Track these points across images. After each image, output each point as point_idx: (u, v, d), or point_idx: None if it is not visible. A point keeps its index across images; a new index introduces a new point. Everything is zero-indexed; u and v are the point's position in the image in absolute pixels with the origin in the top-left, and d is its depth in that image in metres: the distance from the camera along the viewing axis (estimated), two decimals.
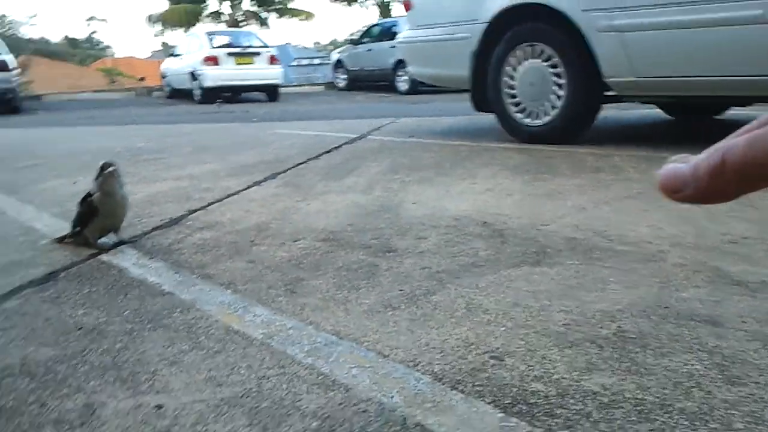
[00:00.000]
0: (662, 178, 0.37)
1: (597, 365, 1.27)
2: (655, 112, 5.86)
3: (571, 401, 1.15)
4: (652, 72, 3.67)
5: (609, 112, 5.57)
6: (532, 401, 1.15)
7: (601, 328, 1.44)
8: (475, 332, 1.44)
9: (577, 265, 1.86)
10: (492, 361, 1.30)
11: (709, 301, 1.56)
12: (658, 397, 1.15)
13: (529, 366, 1.28)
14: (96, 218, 2.16)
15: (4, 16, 22.83)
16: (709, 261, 1.84)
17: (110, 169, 2.12)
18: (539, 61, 4.12)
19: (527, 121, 4.26)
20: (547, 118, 4.14)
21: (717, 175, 0.34)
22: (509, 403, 1.15)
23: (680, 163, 0.37)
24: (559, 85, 4.03)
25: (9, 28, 22.44)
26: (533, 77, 4.15)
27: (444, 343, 1.39)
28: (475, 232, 2.26)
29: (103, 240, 2.25)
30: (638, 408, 1.12)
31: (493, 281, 1.76)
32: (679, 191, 0.36)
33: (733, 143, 0.34)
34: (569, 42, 3.93)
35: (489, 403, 1.15)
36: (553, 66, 4.05)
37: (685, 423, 1.07)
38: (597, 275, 1.78)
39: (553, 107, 4.08)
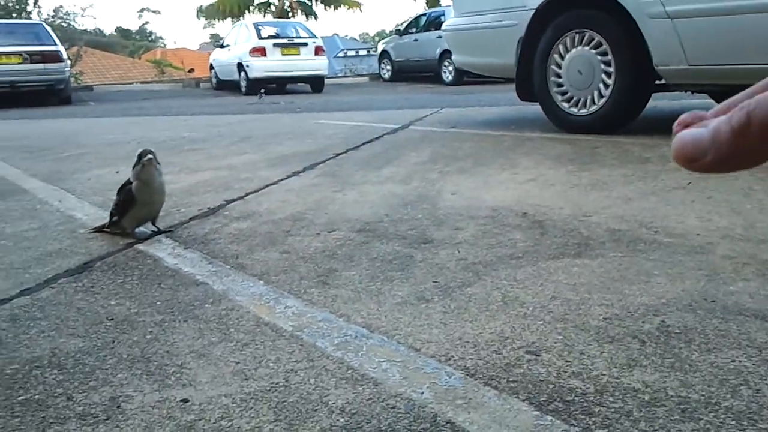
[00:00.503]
0: (678, 145, 0.33)
1: (638, 361, 1.21)
2: (705, 102, 5.67)
3: (610, 399, 1.09)
4: (705, 60, 3.53)
5: (657, 102, 5.40)
6: (568, 399, 1.10)
7: (643, 322, 1.37)
8: (511, 326, 1.38)
9: (620, 258, 1.79)
10: (527, 357, 1.25)
11: (759, 295, 1.47)
12: (703, 395, 1.08)
13: (566, 362, 1.22)
14: (133, 207, 2.16)
15: (60, 7, 23.44)
16: (760, 254, 1.75)
17: (148, 157, 2.11)
18: (588, 48, 4.00)
19: (573, 110, 4.15)
20: (594, 107, 4.02)
21: (743, 135, 0.30)
22: (545, 401, 1.10)
23: (696, 127, 0.32)
24: (608, 74, 3.91)
25: (64, 20, 22.97)
26: (581, 65, 4.04)
27: (478, 337, 1.34)
28: (514, 223, 2.19)
29: (140, 229, 2.25)
30: (681, 406, 1.06)
31: (532, 273, 1.70)
32: (697, 160, 0.32)
33: (757, 99, 0.30)
34: (620, 29, 3.80)
35: (523, 400, 1.10)
36: (602, 54, 3.93)
37: (732, 423, 1.01)
38: (641, 268, 1.70)
39: (601, 96, 3.97)
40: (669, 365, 1.19)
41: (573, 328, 1.36)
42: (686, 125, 0.34)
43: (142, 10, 68.41)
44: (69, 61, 13.59)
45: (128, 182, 2.18)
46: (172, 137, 5.40)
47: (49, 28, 13.59)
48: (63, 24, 22.55)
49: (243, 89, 14.59)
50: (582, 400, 1.09)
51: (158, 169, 2.18)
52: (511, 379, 1.17)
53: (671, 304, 1.46)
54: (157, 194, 2.20)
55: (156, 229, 2.26)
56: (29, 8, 21.98)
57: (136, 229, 2.24)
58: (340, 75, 22.61)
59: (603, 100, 3.96)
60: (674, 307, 1.44)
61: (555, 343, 1.30)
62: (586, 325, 1.37)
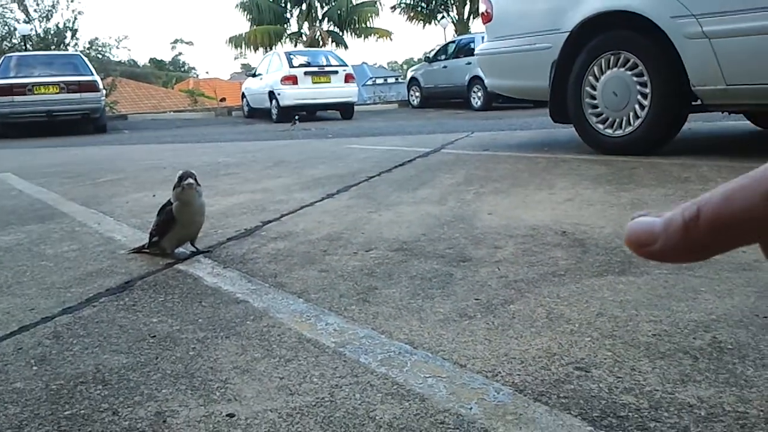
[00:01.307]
0: (629, 231, 0.35)
1: (692, 377, 1.17)
2: (742, 123, 5.59)
3: (665, 414, 1.06)
4: (743, 80, 3.48)
5: (693, 123, 5.34)
6: (622, 414, 1.07)
7: (694, 338, 1.33)
8: (558, 342, 1.35)
9: (666, 275, 1.75)
10: (577, 372, 1.22)
11: None
12: (761, 411, 1.05)
13: (617, 377, 1.19)
14: (173, 228, 2.18)
15: (96, 39, 23.95)
16: None
17: (188, 180, 2.13)
18: (623, 69, 3.98)
19: (609, 131, 4.12)
20: (630, 129, 3.98)
21: (691, 228, 0.32)
22: (598, 416, 1.06)
23: (651, 217, 0.35)
24: (644, 95, 3.88)
25: (99, 51, 23.55)
26: (616, 86, 4.01)
27: (524, 353, 1.31)
28: (554, 242, 2.16)
29: (179, 250, 2.27)
30: (740, 422, 1.02)
31: (576, 291, 1.67)
32: (646, 245, 0.34)
33: (709, 195, 0.32)
34: (656, 50, 3.77)
35: (575, 416, 1.07)
36: (638, 75, 3.90)
37: None
38: (687, 284, 1.66)
39: (637, 117, 3.93)
40: (724, 381, 1.15)
41: (622, 344, 1.33)
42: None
43: (176, 41, 69.95)
44: (104, 91, 13.88)
45: (168, 203, 2.21)
46: (207, 162, 5.46)
47: (86, 59, 13.93)
48: (99, 55, 23.10)
49: (274, 117, 14.76)
50: (636, 415, 1.06)
51: (198, 191, 2.19)
52: (561, 395, 1.14)
53: (721, 320, 1.42)
54: (197, 216, 2.22)
55: (195, 250, 2.27)
56: (67, 40, 22.56)
57: (176, 250, 2.25)
58: (369, 102, 22.80)
59: (639, 121, 3.93)
60: (725, 323, 1.40)
61: (604, 359, 1.27)
62: (635, 341, 1.34)
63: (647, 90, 3.86)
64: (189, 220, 2.20)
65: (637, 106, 3.93)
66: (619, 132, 4.05)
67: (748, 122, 5.42)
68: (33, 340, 1.54)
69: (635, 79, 3.91)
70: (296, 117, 13.12)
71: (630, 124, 3.98)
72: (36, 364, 1.40)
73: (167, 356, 1.41)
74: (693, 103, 3.85)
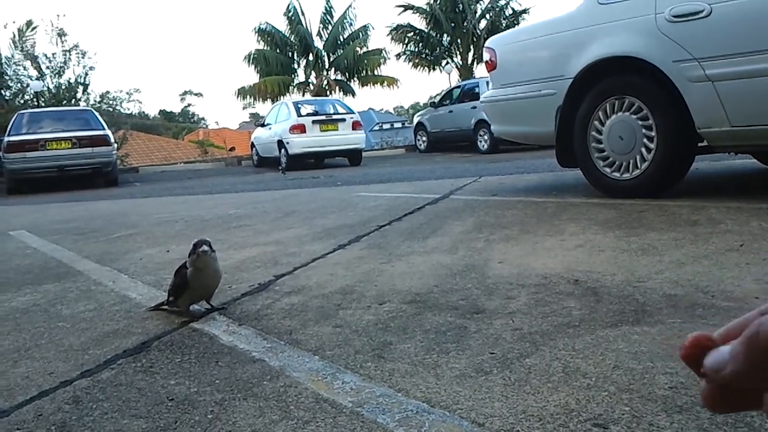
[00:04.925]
0: (707, 363, 0.40)
1: (710, 431, 1.17)
2: (749, 162, 5.61)
3: None
4: (748, 121, 3.51)
5: (700, 163, 5.36)
6: None
7: None
8: (575, 398, 1.35)
9: (680, 324, 1.75)
10: (596, 429, 1.22)
11: None
12: None
13: None
14: (187, 291, 2.23)
15: (107, 92, 24.31)
16: None
17: (203, 248, 2.17)
18: (628, 113, 4.02)
19: (616, 174, 4.15)
20: (637, 172, 4.01)
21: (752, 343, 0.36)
22: None
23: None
24: (650, 138, 3.91)
25: (110, 105, 23.95)
26: (622, 130, 4.05)
27: (542, 410, 1.32)
28: (567, 291, 2.17)
29: (194, 307, 2.29)
30: None
31: (591, 342, 1.67)
32: (720, 371, 0.38)
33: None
34: (659, 93, 3.82)
35: None
36: (643, 118, 3.94)
37: None
38: None
39: (644, 160, 3.96)
40: None
41: (639, 398, 1.33)
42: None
43: (185, 92, 71.11)
44: (116, 144, 14.08)
45: (184, 266, 2.25)
46: (219, 215, 5.51)
47: (97, 114, 14.17)
48: (110, 109, 23.48)
49: (283, 165, 14.92)
50: None
51: (213, 257, 2.23)
52: None
53: None
54: (210, 280, 2.28)
55: (210, 307, 2.30)
56: (79, 95, 22.96)
57: (191, 307, 2.28)
58: (376, 147, 23.03)
59: (646, 164, 3.95)
60: None
61: (622, 414, 1.27)
62: (652, 395, 1.34)
63: (653, 133, 3.90)
64: (203, 284, 2.25)
65: (643, 149, 3.96)
66: (627, 175, 4.08)
67: (756, 161, 5.44)
68: (53, 406, 1.55)
69: (640, 122, 3.95)
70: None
71: (637, 167, 4.01)
72: None
73: (186, 420, 1.42)
74: (699, 144, 3.88)
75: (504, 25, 25.37)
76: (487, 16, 26.70)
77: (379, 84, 27.64)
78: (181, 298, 2.25)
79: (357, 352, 1.77)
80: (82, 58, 23.11)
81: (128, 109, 26.86)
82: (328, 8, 27.07)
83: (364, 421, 1.34)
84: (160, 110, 59.42)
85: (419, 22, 27.26)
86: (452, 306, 2.12)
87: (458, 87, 18.17)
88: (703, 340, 0.41)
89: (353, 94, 27.41)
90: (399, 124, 29.90)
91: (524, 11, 26.61)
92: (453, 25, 26.39)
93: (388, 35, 28.40)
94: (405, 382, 1.53)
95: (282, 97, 25.11)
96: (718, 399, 0.41)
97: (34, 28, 22.55)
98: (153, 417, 1.44)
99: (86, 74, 23.20)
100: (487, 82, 5.89)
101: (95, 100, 23.42)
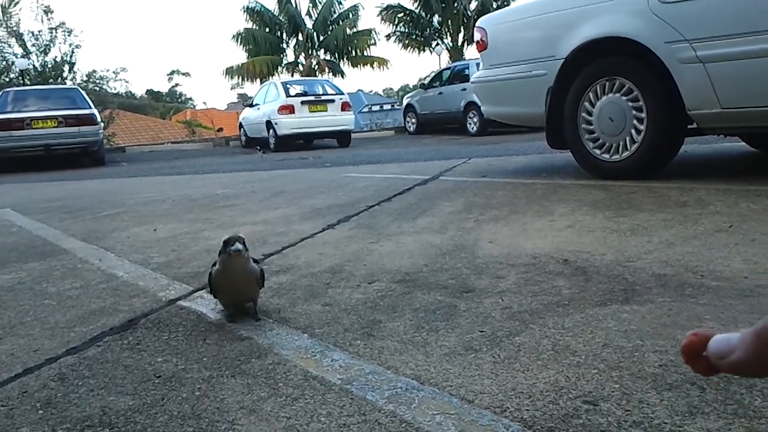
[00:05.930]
0: (710, 347, 0.44)
1: (700, 408, 1.17)
2: (738, 145, 5.62)
3: None
4: (738, 103, 3.51)
5: (689, 145, 5.37)
6: None
7: None
8: (565, 375, 1.35)
9: (669, 303, 1.75)
10: (585, 406, 1.21)
11: None
12: None
13: (626, 411, 1.18)
14: (218, 294, 1.97)
15: (93, 71, 24.01)
16: None
17: (235, 245, 1.82)
18: (619, 95, 4.01)
19: (606, 156, 4.14)
20: (626, 153, 4.01)
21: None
22: None
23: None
24: (640, 119, 3.91)
25: (97, 84, 23.70)
26: (612, 112, 4.04)
27: (532, 387, 1.31)
28: (556, 270, 2.17)
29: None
30: None
31: (580, 321, 1.67)
32: (724, 357, 0.42)
33: None
34: (650, 75, 3.81)
35: None
36: (633, 100, 3.93)
37: None
38: (691, 312, 1.66)
39: (634, 141, 3.95)
40: (732, 412, 1.15)
41: (629, 375, 1.33)
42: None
43: (173, 72, 70.45)
44: (102, 124, 13.95)
45: (214, 264, 1.95)
46: (207, 194, 5.47)
47: (83, 93, 14.02)
48: (96, 88, 23.24)
49: (272, 146, 14.85)
50: None
51: (246, 257, 1.87)
52: (570, 430, 1.14)
53: None
54: (237, 283, 1.90)
55: (255, 311, 1.96)
56: (65, 74, 22.71)
57: (229, 313, 1.98)
58: (365, 129, 22.92)
59: (635, 146, 3.95)
60: None
61: (612, 391, 1.26)
62: (642, 372, 1.34)
63: (643, 115, 3.89)
64: (230, 288, 1.92)
65: (633, 131, 3.95)
66: (616, 157, 4.08)
67: (744, 144, 5.45)
68: (38, 383, 1.53)
69: (631, 104, 3.95)
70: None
71: (627, 149, 4.01)
72: (42, 408, 1.39)
73: (173, 397, 1.40)
74: (689, 126, 3.88)
75: (494, 6, 25.24)
76: None
77: (369, 65, 27.50)
78: (217, 298, 2.00)
79: (346, 330, 1.76)
80: (69, 36, 22.86)
81: (115, 89, 26.65)
82: None
83: (354, 398, 1.33)
84: (147, 90, 58.87)
85: (409, 3, 27.10)
86: (442, 285, 2.11)
87: (448, 69, 18.09)
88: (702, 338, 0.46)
89: (343, 74, 27.29)
90: (388, 106, 29.75)
91: None
92: (443, 5, 26.20)
93: (378, 15, 28.24)
94: (394, 359, 1.52)
95: (271, 77, 24.95)
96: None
97: (17, 3, 22.24)
98: (140, 394, 1.43)
99: (72, 52, 22.97)
100: (478, 64, 5.86)
101: (82, 79, 23.18)
